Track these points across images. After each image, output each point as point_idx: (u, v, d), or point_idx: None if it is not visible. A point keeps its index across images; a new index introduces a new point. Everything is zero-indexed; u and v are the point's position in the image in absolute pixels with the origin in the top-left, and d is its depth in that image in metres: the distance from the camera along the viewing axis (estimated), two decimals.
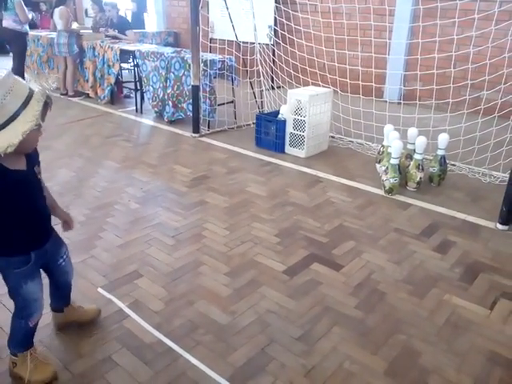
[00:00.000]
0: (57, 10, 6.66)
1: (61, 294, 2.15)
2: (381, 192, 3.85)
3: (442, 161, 3.97)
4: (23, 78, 1.67)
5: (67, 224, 2.06)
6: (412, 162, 3.87)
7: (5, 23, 6.77)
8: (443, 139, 3.93)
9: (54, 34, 6.92)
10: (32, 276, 1.82)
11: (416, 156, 3.86)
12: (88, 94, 7.00)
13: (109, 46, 6.44)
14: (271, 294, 2.49)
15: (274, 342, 2.15)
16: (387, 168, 3.80)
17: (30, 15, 7.15)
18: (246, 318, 2.30)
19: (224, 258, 2.83)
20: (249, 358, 2.05)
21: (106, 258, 2.80)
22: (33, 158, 1.76)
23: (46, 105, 1.63)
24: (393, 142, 3.80)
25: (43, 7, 8.40)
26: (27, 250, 1.79)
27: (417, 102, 4.75)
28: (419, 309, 2.41)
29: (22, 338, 1.91)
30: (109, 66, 6.50)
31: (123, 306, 2.37)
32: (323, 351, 2.10)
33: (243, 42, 5.97)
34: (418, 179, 3.83)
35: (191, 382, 1.92)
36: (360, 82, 5.17)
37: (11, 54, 7.11)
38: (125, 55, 6.42)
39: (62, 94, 7.13)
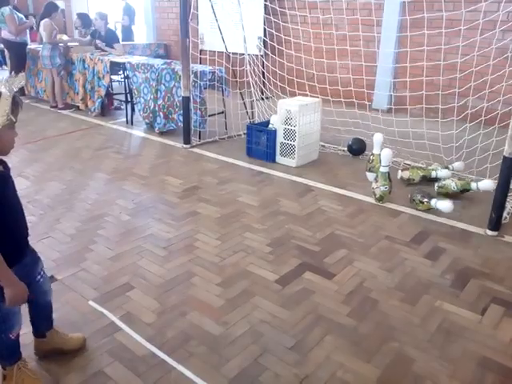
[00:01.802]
0: (41, 23, 6.68)
1: (42, 316, 2.04)
2: (371, 200, 3.88)
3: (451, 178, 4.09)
4: None
5: None
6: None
7: (2, 34, 7.17)
8: (459, 165, 4.26)
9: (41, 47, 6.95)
10: None
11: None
12: (78, 106, 6.99)
13: (99, 59, 6.45)
14: (264, 304, 2.48)
15: (267, 352, 2.14)
16: (377, 176, 3.84)
17: (23, 26, 7.21)
18: (239, 329, 2.29)
19: (216, 268, 2.83)
20: (242, 368, 2.04)
21: (97, 270, 2.78)
22: (6, 163, 1.74)
23: (17, 104, 1.63)
24: (382, 150, 3.84)
25: (32, 20, 8.43)
26: (10, 265, 1.69)
27: (407, 107, 4.81)
28: (411, 316, 2.42)
29: (6, 352, 1.88)
30: (99, 78, 6.51)
31: (115, 318, 2.35)
32: (316, 360, 2.10)
33: (233, 53, 6.02)
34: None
35: None
36: (352, 89, 5.22)
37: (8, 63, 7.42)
38: (115, 67, 6.44)
39: (51, 107, 7.12)
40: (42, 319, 2.05)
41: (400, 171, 4.30)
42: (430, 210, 3.61)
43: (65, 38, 7.32)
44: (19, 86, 1.61)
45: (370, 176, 4.19)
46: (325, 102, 5.11)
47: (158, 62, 5.97)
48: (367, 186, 4.08)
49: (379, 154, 3.96)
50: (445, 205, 3.51)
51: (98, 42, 7.17)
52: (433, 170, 4.23)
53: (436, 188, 3.95)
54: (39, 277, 1.92)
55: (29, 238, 1.86)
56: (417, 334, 2.28)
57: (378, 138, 4.19)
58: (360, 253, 3.04)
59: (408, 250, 3.09)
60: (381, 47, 6.67)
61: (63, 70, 6.90)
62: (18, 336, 1.87)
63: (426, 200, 3.59)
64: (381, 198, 3.81)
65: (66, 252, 2.98)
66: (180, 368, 2.03)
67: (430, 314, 2.43)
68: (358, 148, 4.91)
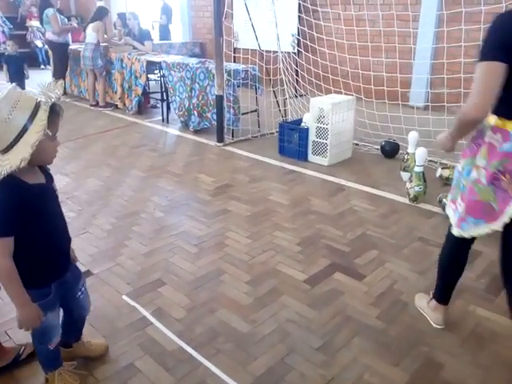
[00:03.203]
0: (91, 25, 6.92)
1: (73, 329, 2.03)
2: (405, 200, 3.80)
3: None
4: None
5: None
6: None
7: (46, 35, 7.55)
8: None
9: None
10: (52, 307, 1.74)
11: None
12: (117, 104, 7.20)
13: (136, 58, 6.61)
14: (292, 304, 2.50)
15: (293, 351, 2.15)
16: (411, 176, 3.76)
17: (68, 26, 7.55)
18: (267, 327, 2.31)
19: (245, 266, 2.86)
20: (269, 367, 2.06)
21: (131, 266, 2.87)
22: (49, 174, 1.72)
23: (57, 113, 1.55)
24: (417, 148, 3.76)
25: (74, 22, 8.74)
26: (47, 282, 1.68)
27: (444, 104, 4.67)
28: None
29: (46, 360, 1.89)
30: (136, 77, 6.67)
31: (147, 313, 2.42)
32: (343, 362, 2.09)
33: (266, 51, 6.03)
34: None
35: None
36: (385, 88, 5.13)
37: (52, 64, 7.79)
38: (151, 66, 6.58)
39: (91, 105, 7.36)
40: (73, 332, 2.04)
41: (440, 169, 4.19)
42: None
43: (105, 37, 7.56)
44: (57, 95, 1.53)
45: (405, 176, 4.11)
46: (359, 99, 5.04)
47: (192, 61, 6.06)
48: (401, 185, 4.01)
49: (414, 153, 3.88)
50: None
51: (127, 38, 7.40)
52: None
53: None
54: (79, 293, 1.90)
55: None
56: (448, 338, 2.24)
57: (413, 136, 4.10)
58: (392, 254, 3.00)
59: None
60: (417, 43, 6.49)
61: (105, 71, 7.12)
62: (58, 345, 1.87)
63: None
64: (415, 199, 3.73)
65: (103, 247, 3.09)
66: (207, 364, 2.08)
67: (463, 319, 2.37)
68: (390, 149, 4.83)
